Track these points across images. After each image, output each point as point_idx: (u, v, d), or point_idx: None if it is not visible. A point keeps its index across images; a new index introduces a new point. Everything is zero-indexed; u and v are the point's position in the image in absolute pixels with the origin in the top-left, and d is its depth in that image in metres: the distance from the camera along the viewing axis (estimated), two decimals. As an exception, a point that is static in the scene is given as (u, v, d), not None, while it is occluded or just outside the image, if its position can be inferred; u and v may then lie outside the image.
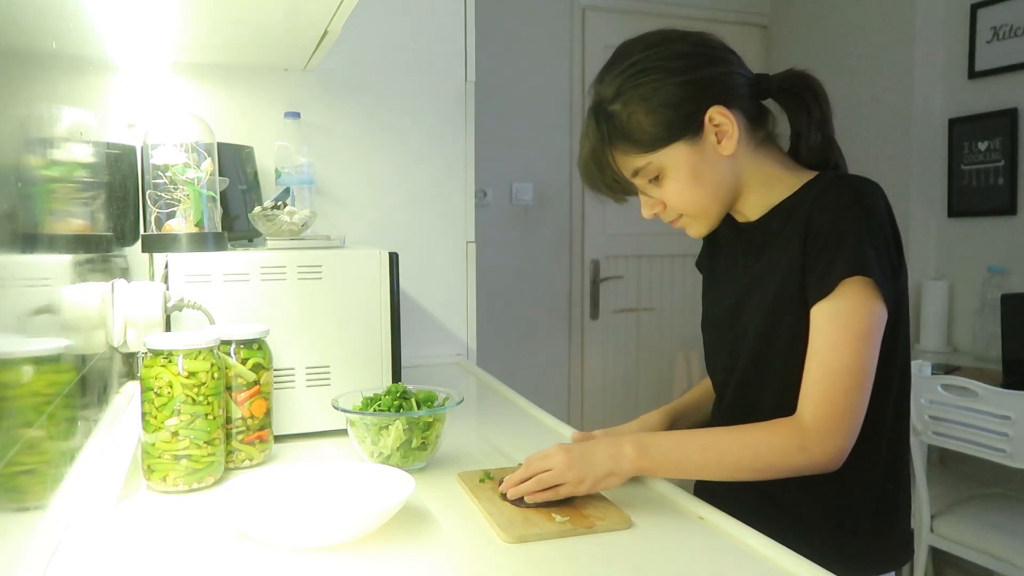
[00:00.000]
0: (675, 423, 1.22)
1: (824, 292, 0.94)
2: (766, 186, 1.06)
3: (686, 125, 1.01)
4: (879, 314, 0.94)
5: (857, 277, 0.93)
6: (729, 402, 1.11)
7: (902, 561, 1.06)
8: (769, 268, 1.03)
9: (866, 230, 0.94)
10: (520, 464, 1.03)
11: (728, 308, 1.11)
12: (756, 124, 1.06)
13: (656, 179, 1.05)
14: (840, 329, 0.93)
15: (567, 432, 1.33)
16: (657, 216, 1.10)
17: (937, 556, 2.45)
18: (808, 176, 1.05)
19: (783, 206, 1.05)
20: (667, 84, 1.00)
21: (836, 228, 0.94)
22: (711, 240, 1.18)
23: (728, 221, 1.12)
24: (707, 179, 1.03)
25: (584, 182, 1.11)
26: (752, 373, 1.06)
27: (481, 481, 1.03)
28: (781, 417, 0.96)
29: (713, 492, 1.03)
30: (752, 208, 1.08)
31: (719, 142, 1.02)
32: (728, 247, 1.14)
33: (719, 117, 1.01)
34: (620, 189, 1.09)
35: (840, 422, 0.92)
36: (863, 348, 0.93)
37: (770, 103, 1.09)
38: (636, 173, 1.05)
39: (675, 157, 1.02)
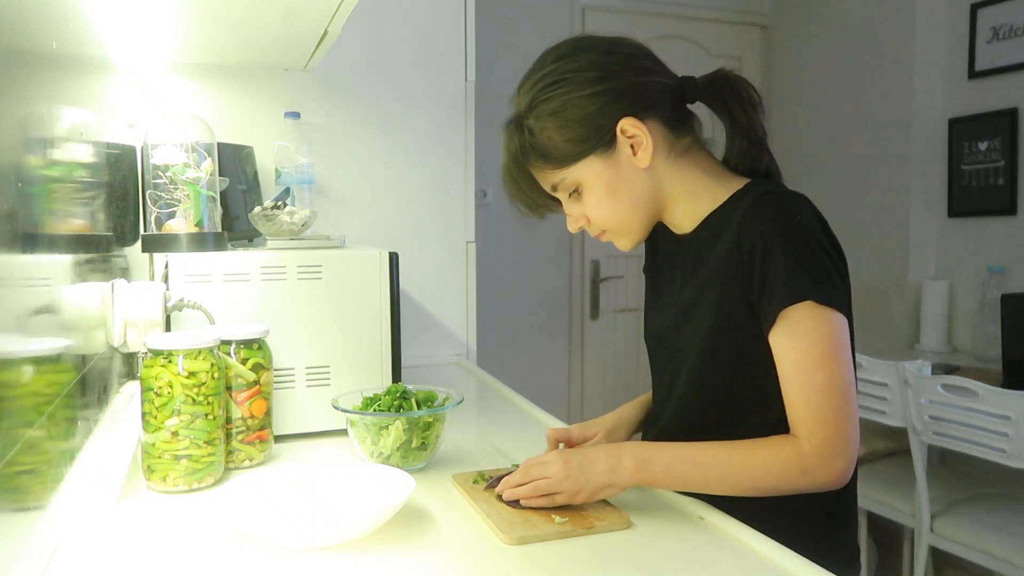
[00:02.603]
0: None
1: (770, 322, 0.92)
2: (691, 196, 1.03)
3: (597, 138, 0.98)
4: (838, 326, 0.91)
5: (796, 305, 0.90)
6: (679, 421, 1.06)
7: None
8: (705, 287, 1.00)
9: (796, 252, 0.91)
10: (515, 465, 1.03)
11: (667, 325, 1.08)
12: (679, 132, 1.02)
13: (575, 193, 1.03)
14: (804, 352, 0.90)
15: (567, 432, 1.33)
16: (583, 230, 1.07)
17: (937, 556, 2.45)
18: (736, 185, 1.01)
19: (712, 218, 1.01)
20: (575, 97, 0.97)
21: (767, 256, 0.91)
22: (652, 250, 1.16)
23: (668, 232, 1.09)
24: (624, 193, 1.01)
25: (507, 196, 1.08)
26: (696, 397, 1.02)
27: (475, 482, 1.03)
28: (739, 439, 0.93)
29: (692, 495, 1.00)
30: (682, 219, 1.05)
31: (634, 154, 0.99)
32: (667, 259, 1.11)
33: (631, 129, 0.97)
34: (537, 205, 1.07)
35: (837, 442, 0.89)
36: (835, 364, 0.90)
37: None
38: (555, 188, 1.03)
39: (589, 172, 1.00)
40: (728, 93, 1.01)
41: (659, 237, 1.12)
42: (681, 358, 1.04)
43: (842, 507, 1.02)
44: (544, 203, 1.07)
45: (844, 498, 1.01)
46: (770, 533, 0.88)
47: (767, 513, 0.93)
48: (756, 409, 0.97)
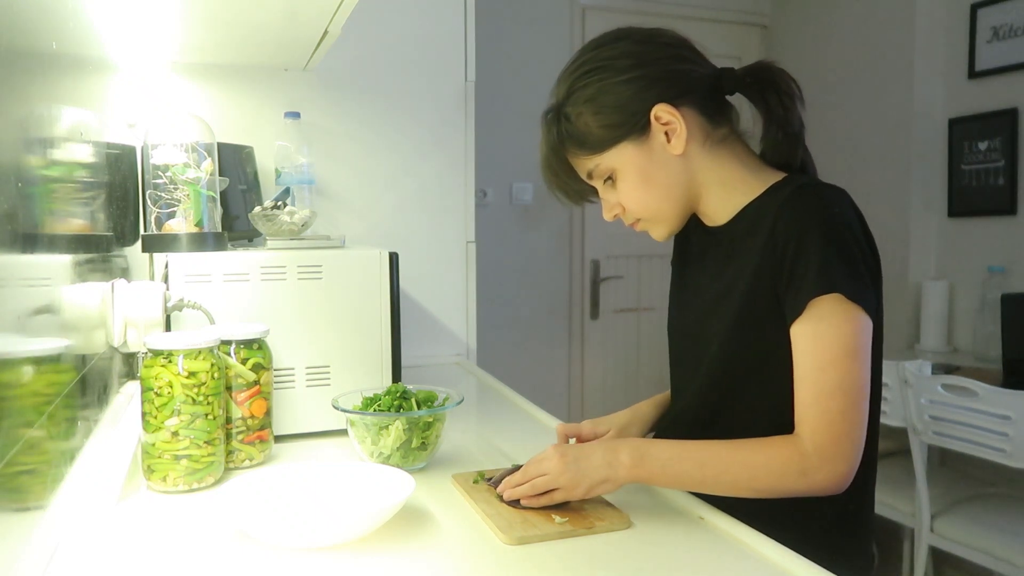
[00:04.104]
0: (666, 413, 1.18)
1: (797, 313, 0.90)
2: (726, 187, 1.02)
3: (631, 124, 0.98)
4: (861, 326, 0.90)
5: (826, 295, 0.89)
6: (691, 414, 1.06)
7: None
8: (735, 279, 0.99)
9: (831, 243, 0.90)
10: (513, 464, 1.03)
11: (695, 316, 1.08)
12: (715, 122, 1.01)
13: (610, 181, 1.03)
14: (823, 349, 0.89)
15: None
16: (618, 218, 1.07)
17: (937, 556, 2.45)
18: (773, 178, 1.00)
19: (748, 211, 1.01)
20: (610, 83, 0.98)
21: (800, 244, 0.90)
22: (682, 242, 1.15)
23: (700, 224, 1.09)
24: (657, 180, 1.01)
25: (545, 185, 1.09)
26: (716, 388, 1.02)
27: (475, 482, 1.03)
28: (753, 437, 0.92)
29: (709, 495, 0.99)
30: (716, 211, 1.04)
31: (668, 141, 0.99)
32: (698, 251, 1.11)
33: (665, 115, 0.97)
34: (575, 193, 1.07)
35: (840, 445, 0.88)
36: (852, 366, 0.89)
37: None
38: (590, 175, 1.04)
39: (623, 158, 1.00)
40: (766, 84, 1.01)
41: (691, 229, 1.10)
42: (704, 350, 1.03)
43: (855, 509, 1.00)
44: (581, 191, 1.07)
45: (857, 501, 0.99)
46: (776, 536, 0.87)
47: (774, 515, 0.92)
48: (775, 405, 0.95)
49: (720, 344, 1.00)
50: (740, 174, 1.02)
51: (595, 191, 1.07)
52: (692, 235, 1.11)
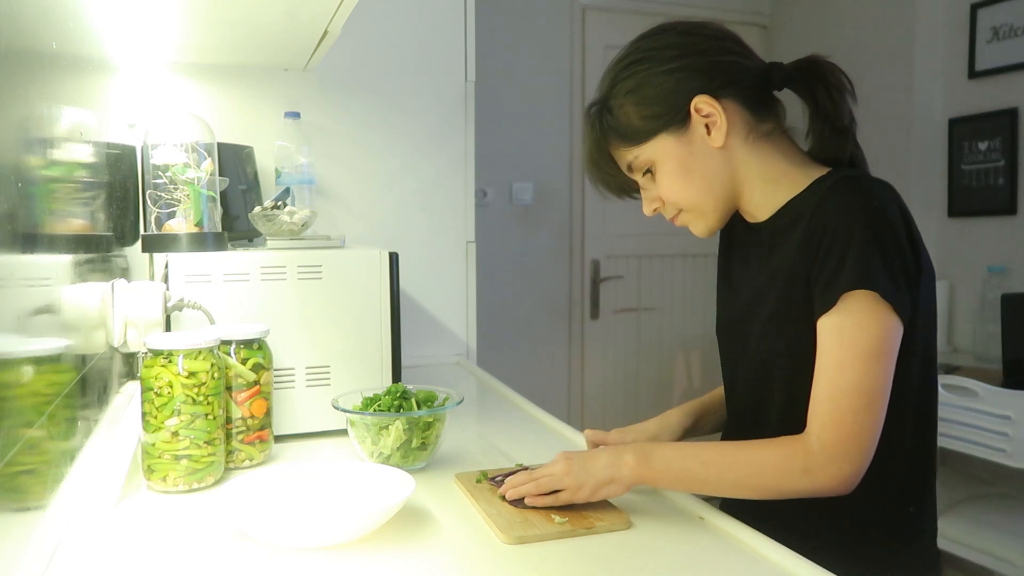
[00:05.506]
0: (698, 421, 1.15)
1: (827, 305, 0.88)
2: (770, 182, 1.00)
3: (671, 115, 0.97)
4: (890, 328, 0.87)
5: (861, 291, 0.86)
6: (734, 414, 1.07)
7: None
8: (775, 274, 0.97)
9: (871, 237, 0.87)
10: (518, 464, 1.03)
11: (739, 313, 1.06)
12: (760, 116, 1.00)
13: (650, 173, 1.02)
14: (846, 346, 0.87)
15: (567, 432, 1.33)
16: (659, 214, 1.06)
17: (937, 556, 2.45)
18: (818, 173, 0.98)
19: (790, 206, 0.98)
20: (652, 74, 0.97)
21: (839, 236, 0.88)
22: (727, 239, 1.13)
23: (743, 221, 1.07)
24: (697, 172, 0.99)
25: (588, 178, 1.09)
26: (755, 385, 1.01)
27: (478, 482, 1.03)
28: (786, 434, 0.90)
29: (738, 505, 0.98)
30: (759, 207, 1.02)
31: (709, 133, 0.98)
32: (742, 248, 1.09)
33: (706, 107, 0.96)
34: (616, 186, 1.07)
35: (848, 446, 0.85)
36: (872, 366, 0.86)
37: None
38: (630, 168, 1.03)
39: (662, 149, 0.99)
40: (814, 78, 0.99)
41: (735, 225, 1.09)
42: (745, 347, 1.03)
43: (916, 512, 0.98)
44: (623, 184, 1.07)
45: (918, 502, 0.98)
46: (834, 538, 0.87)
47: (830, 516, 0.92)
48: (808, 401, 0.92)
49: (757, 340, 1.00)
50: (784, 169, 1.00)
51: (638, 185, 1.06)
52: (737, 231, 1.10)
